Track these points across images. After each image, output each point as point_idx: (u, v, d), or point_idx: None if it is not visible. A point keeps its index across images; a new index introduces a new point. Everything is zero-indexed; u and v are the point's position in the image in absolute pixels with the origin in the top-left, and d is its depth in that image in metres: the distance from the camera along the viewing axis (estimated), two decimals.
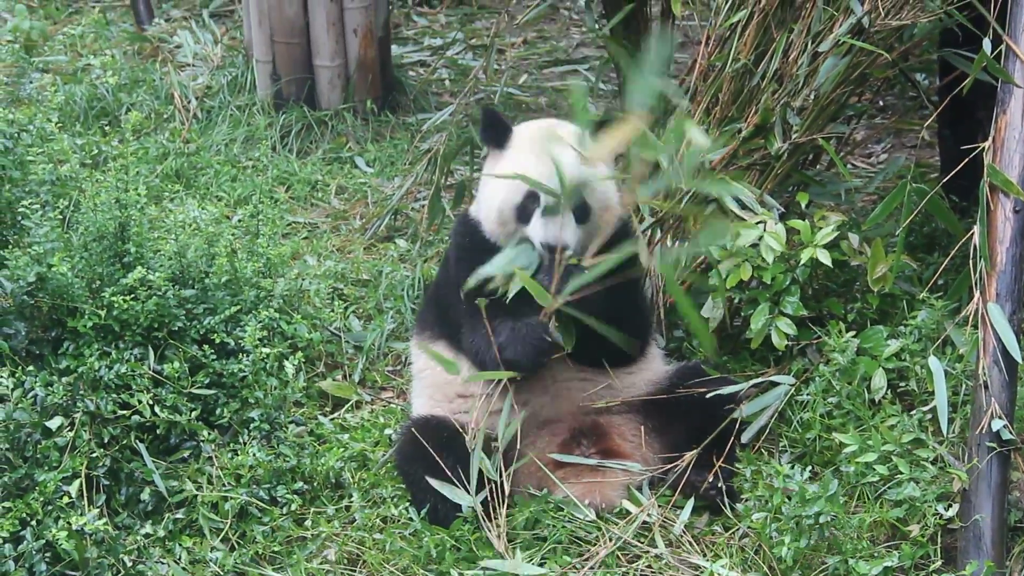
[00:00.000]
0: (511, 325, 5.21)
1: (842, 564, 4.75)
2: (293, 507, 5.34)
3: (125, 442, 5.32)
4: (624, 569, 4.94)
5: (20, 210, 5.61)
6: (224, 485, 5.33)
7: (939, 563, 4.79)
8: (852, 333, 5.55)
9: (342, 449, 5.60)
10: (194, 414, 5.43)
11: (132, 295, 5.45)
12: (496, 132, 5.49)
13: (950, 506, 4.88)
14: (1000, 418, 4.83)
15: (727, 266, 5.71)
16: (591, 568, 4.95)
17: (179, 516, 5.25)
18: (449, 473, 5.16)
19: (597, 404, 5.43)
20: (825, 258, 5.62)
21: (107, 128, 8.29)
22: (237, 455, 5.39)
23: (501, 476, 5.18)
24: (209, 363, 5.54)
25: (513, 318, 5.20)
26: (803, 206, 5.98)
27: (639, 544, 5.07)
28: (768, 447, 5.49)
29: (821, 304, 5.90)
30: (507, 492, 5.17)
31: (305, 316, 6.13)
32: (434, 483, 5.15)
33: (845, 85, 6.02)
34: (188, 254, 5.74)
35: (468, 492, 5.12)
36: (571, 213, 5.27)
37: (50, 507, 4.93)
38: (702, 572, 4.86)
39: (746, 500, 5.14)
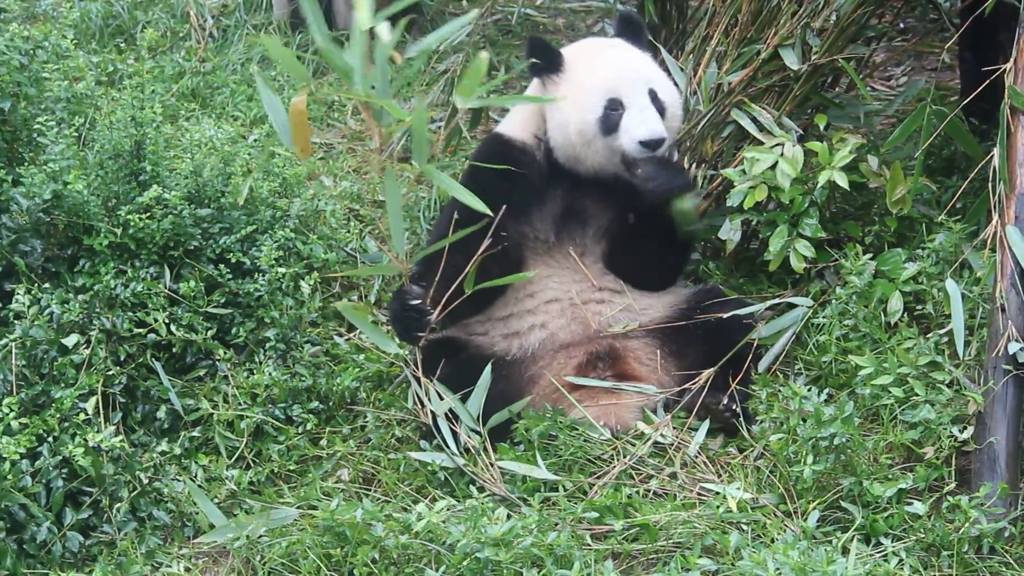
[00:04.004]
0: (393, 298, 5.30)
1: (856, 485, 4.75)
2: (308, 426, 5.35)
3: (141, 360, 5.34)
4: (637, 488, 4.95)
5: (36, 127, 5.59)
6: (240, 404, 5.35)
7: (953, 485, 4.79)
8: (869, 256, 5.53)
9: (357, 369, 5.60)
10: (210, 333, 5.44)
11: (148, 213, 5.45)
12: (547, 59, 5.49)
13: (965, 428, 4.87)
14: (1017, 341, 4.81)
15: (744, 188, 5.68)
16: (604, 484, 4.96)
17: (195, 434, 5.27)
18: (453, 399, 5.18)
19: (615, 328, 5.44)
20: (842, 180, 5.59)
21: (123, 46, 8.26)
22: (253, 374, 5.40)
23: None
24: (225, 282, 5.54)
25: (401, 291, 5.24)
26: (821, 128, 5.94)
27: (653, 462, 5.08)
28: (784, 370, 5.49)
29: (839, 226, 5.88)
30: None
31: (321, 236, 6.12)
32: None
33: (865, 6, 5.96)
34: (204, 173, 5.73)
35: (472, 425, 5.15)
36: (656, 110, 5.35)
37: (67, 424, 4.95)
38: (718, 494, 4.86)
39: (761, 422, 5.14)
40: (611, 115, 5.36)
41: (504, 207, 5.18)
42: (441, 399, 5.15)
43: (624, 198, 5.47)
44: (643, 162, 5.37)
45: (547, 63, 5.49)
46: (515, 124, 5.63)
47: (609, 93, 5.38)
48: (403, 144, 7.40)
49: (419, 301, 5.15)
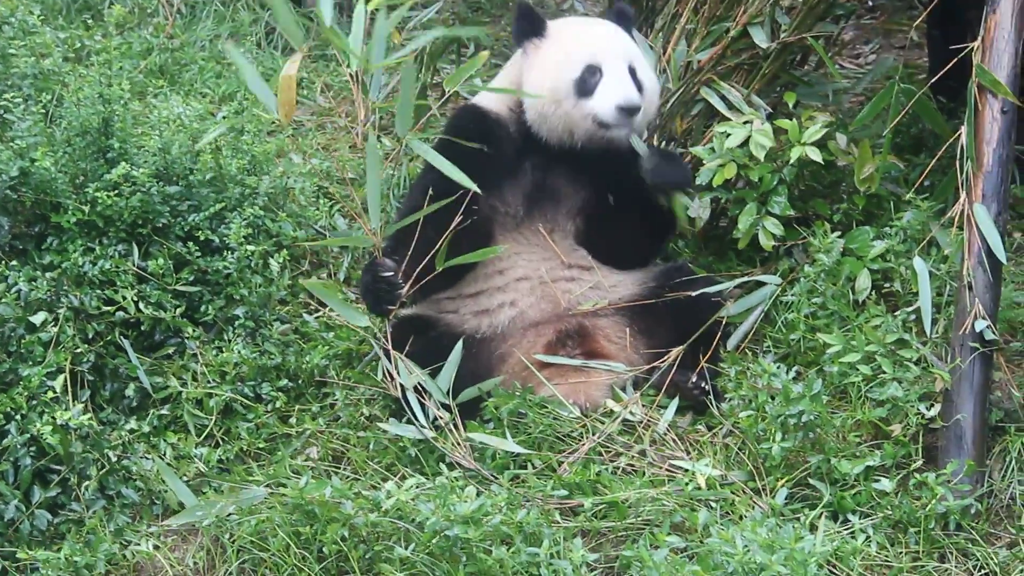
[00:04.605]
0: (365, 270, 5.30)
1: (824, 463, 4.78)
2: (278, 404, 5.35)
3: (110, 338, 5.32)
4: (607, 465, 4.96)
5: (2, 104, 5.56)
6: (209, 382, 5.33)
7: (920, 462, 4.83)
8: (838, 233, 5.55)
9: (327, 347, 5.59)
10: (179, 311, 5.42)
11: (116, 191, 5.42)
12: (533, 25, 5.54)
13: (932, 406, 4.90)
14: (983, 319, 4.84)
15: (713, 166, 5.69)
16: (574, 462, 4.97)
17: (164, 412, 5.25)
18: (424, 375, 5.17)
19: (584, 307, 5.44)
20: (815, 155, 5.60)
21: (90, 22, 8.19)
22: (222, 352, 5.39)
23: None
24: (194, 260, 5.52)
25: (373, 264, 5.23)
26: (790, 106, 5.95)
27: (623, 440, 5.09)
28: (752, 347, 5.50)
29: (807, 204, 5.90)
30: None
31: (290, 214, 6.10)
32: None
33: None
34: (172, 150, 5.70)
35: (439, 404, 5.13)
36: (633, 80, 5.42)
37: (35, 402, 4.93)
38: (687, 471, 4.87)
39: (730, 400, 5.15)
40: (588, 79, 5.40)
41: (477, 181, 5.18)
42: (408, 375, 5.15)
43: (598, 175, 5.49)
44: (648, 153, 5.47)
45: (532, 27, 5.53)
46: (489, 95, 5.64)
47: (589, 59, 5.42)
48: (372, 123, 7.38)
49: (391, 273, 5.14)
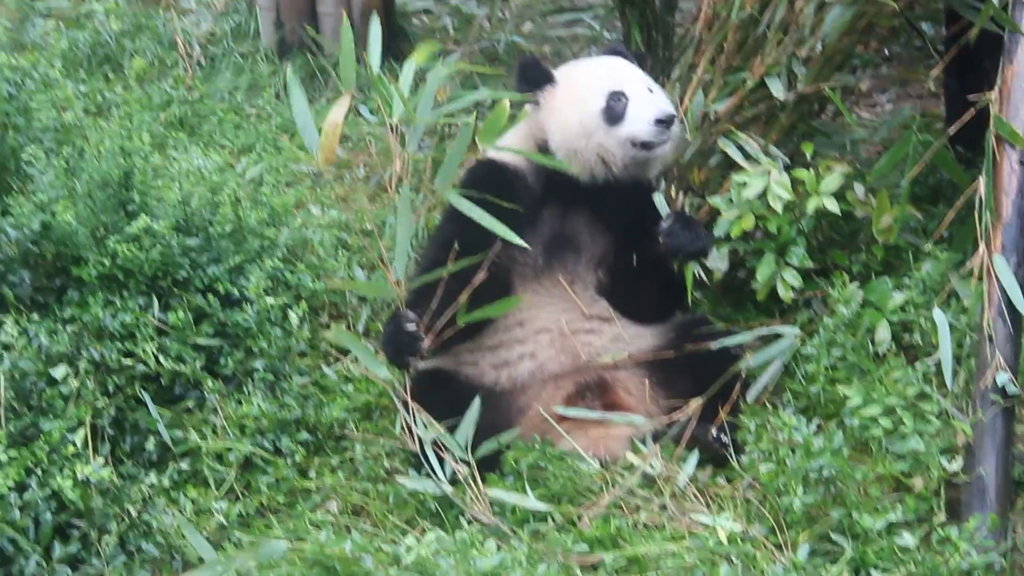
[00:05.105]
0: (388, 322, 5.29)
1: (846, 517, 4.75)
2: (297, 458, 5.34)
3: (130, 391, 5.33)
4: (627, 519, 4.94)
5: (24, 157, 5.59)
6: (228, 435, 5.33)
7: (943, 517, 4.79)
8: (857, 285, 5.54)
9: (346, 399, 5.59)
10: (198, 364, 5.43)
11: (136, 243, 5.44)
12: (541, 74, 5.58)
13: (954, 459, 4.87)
14: (1004, 371, 4.82)
15: (730, 216, 5.69)
16: (594, 516, 4.95)
17: (184, 466, 5.25)
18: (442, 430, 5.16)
19: (604, 359, 5.43)
20: (832, 205, 5.60)
21: (110, 75, 8.26)
22: (241, 405, 5.39)
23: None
24: (214, 312, 5.53)
25: (397, 315, 5.23)
26: (808, 156, 5.96)
27: (642, 493, 5.07)
28: (772, 400, 5.48)
29: (826, 255, 5.89)
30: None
31: (309, 266, 6.11)
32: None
33: (851, 35, 5.98)
34: (192, 202, 5.72)
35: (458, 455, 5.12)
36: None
37: (55, 456, 4.93)
38: (708, 526, 4.85)
39: (750, 453, 5.13)
40: (615, 106, 5.43)
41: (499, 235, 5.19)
42: (427, 428, 5.14)
43: (618, 223, 5.50)
44: (667, 215, 5.50)
45: (541, 76, 5.56)
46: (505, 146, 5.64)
47: (611, 87, 5.47)
48: (391, 172, 7.40)
49: (414, 325, 5.14)
